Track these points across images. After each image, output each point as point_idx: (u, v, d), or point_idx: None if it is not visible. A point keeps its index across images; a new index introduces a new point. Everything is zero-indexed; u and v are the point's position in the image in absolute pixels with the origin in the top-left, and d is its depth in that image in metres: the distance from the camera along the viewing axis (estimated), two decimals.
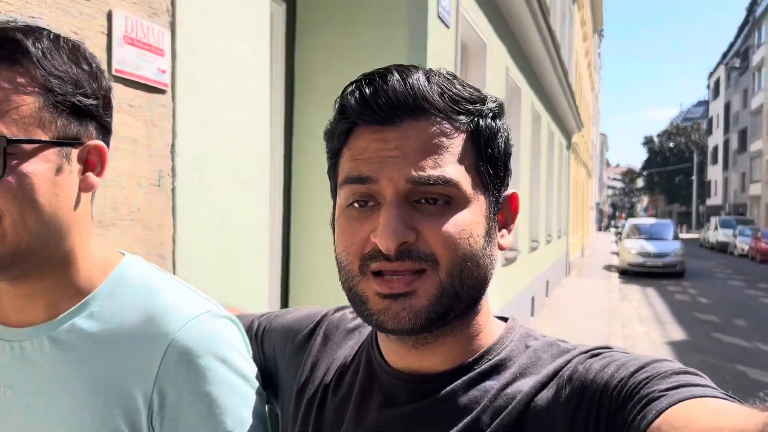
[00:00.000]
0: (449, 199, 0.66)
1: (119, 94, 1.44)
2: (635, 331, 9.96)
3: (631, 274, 18.57)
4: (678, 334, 9.90)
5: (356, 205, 0.67)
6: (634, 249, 19.07)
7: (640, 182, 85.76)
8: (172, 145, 1.61)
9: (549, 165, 11.53)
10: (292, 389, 0.85)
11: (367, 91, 0.66)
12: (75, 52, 0.75)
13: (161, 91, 1.58)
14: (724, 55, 55.64)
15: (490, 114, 0.70)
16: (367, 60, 3.73)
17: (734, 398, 0.57)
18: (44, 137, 0.71)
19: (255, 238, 2.00)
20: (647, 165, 72.88)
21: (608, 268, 20.48)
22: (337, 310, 0.92)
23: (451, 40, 4.39)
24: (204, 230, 1.75)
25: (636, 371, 0.61)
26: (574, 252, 19.38)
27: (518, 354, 0.72)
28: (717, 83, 57.60)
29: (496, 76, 6.09)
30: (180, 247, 1.64)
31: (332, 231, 0.73)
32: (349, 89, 0.68)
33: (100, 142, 0.77)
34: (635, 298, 13.88)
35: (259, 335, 0.96)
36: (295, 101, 3.44)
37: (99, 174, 0.78)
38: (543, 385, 0.67)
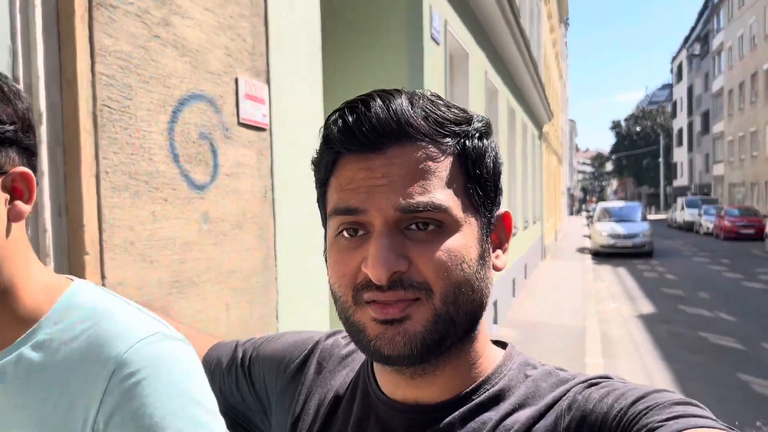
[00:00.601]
0: (440, 224, 0.64)
1: (243, 136, 2.06)
2: (608, 307, 10.67)
3: (602, 255, 19.28)
4: (647, 308, 10.64)
5: (346, 234, 0.67)
6: (605, 231, 19.71)
7: (609, 166, 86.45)
8: (271, 168, 2.23)
9: (524, 156, 12.23)
10: (287, 421, 0.83)
11: (350, 119, 0.64)
12: None
13: (264, 130, 2.19)
14: (686, 39, 56.79)
15: (477, 134, 0.68)
16: (372, 79, 4.37)
17: (733, 429, 0.56)
18: None
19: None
20: (615, 149, 73.61)
21: (581, 250, 21.20)
22: (329, 335, 0.91)
23: (441, 55, 5.01)
24: (293, 229, 2.37)
25: (635, 401, 0.61)
26: (548, 236, 20.07)
27: (517, 384, 0.71)
28: (680, 67, 58.63)
29: (477, 80, 6.74)
30: (279, 241, 2.26)
31: (325, 261, 0.73)
32: (332, 118, 0.67)
33: (24, 168, 0.73)
34: (607, 278, 14.58)
35: (246, 364, 0.94)
36: None
37: (28, 201, 0.73)
38: (541, 415, 0.67)
